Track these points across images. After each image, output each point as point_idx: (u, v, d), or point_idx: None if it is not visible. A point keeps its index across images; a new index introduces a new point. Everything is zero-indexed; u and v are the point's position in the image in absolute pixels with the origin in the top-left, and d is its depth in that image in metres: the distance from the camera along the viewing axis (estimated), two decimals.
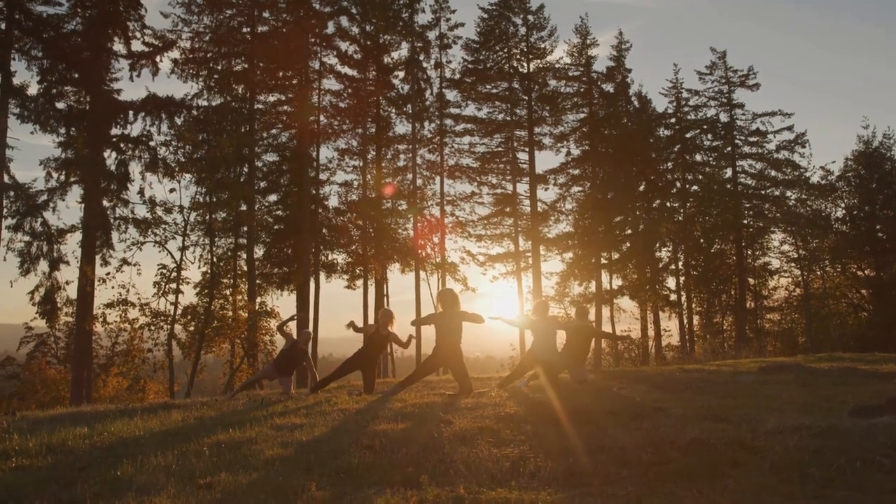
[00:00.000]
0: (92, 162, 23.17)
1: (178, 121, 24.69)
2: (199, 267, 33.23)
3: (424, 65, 30.74)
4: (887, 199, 32.01)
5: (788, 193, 33.26)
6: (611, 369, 16.77)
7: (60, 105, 23.85)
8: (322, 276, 28.78)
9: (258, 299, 25.50)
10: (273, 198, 29.50)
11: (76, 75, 23.98)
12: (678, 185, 34.31)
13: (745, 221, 33.08)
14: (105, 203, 24.18)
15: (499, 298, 37.16)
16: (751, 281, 33.20)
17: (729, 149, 33.32)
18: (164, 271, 19.54)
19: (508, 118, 32.13)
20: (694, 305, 33.93)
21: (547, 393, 7.44)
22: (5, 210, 22.34)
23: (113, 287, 19.48)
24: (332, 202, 31.24)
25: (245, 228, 25.97)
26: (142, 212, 22.96)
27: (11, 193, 22.53)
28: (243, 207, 24.35)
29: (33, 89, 23.32)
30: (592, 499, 3.41)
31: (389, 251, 28.90)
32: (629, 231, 32.21)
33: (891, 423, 4.65)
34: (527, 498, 3.39)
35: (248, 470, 4.14)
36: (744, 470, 3.81)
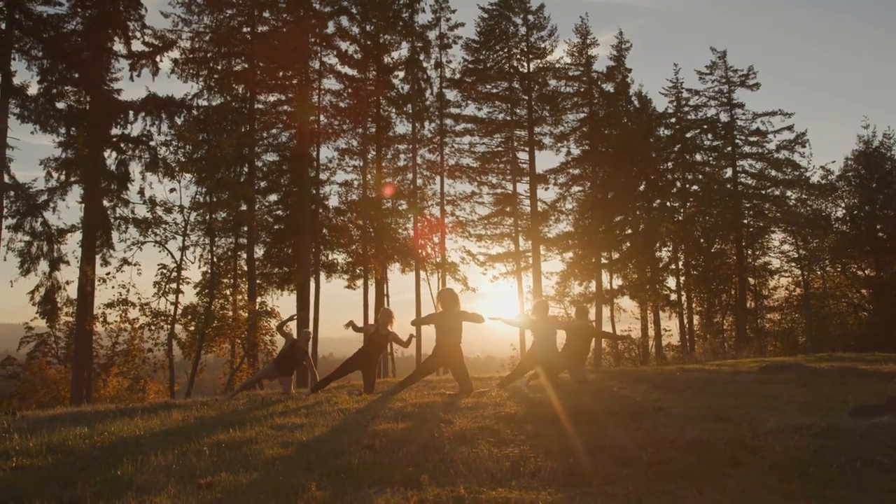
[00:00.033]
0: (92, 162, 23.17)
1: (179, 121, 24.72)
2: (200, 267, 33.32)
3: (424, 64, 30.78)
4: (887, 199, 32.01)
5: (789, 193, 33.29)
6: (611, 369, 16.77)
7: (60, 105, 23.89)
8: (322, 275, 28.79)
9: (258, 299, 25.50)
10: (273, 198, 29.53)
11: (76, 75, 23.99)
12: (678, 184, 34.30)
13: (746, 221, 33.08)
14: (105, 203, 24.19)
15: (499, 298, 37.21)
16: (751, 281, 33.20)
17: (729, 148, 33.32)
18: (165, 271, 19.56)
19: (508, 118, 32.13)
20: (694, 305, 33.93)
21: (547, 393, 7.44)
22: (5, 210, 22.35)
23: (113, 287, 19.50)
24: (333, 202, 31.28)
25: (245, 228, 25.97)
26: (142, 212, 22.98)
27: (12, 193, 22.54)
28: (243, 207, 24.35)
29: (33, 89, 23.37)
30: (593, 498, 3.41)
31: (390, 251, 28.91)
32: (629, 231, 32.21)
33: (891, 422, 4.65)
34: (527, 498, 3.39)
35: (248, 469, 4.14)
36: (744, 469, 3.81)
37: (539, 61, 32.07)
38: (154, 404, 8.87)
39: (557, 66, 32.31)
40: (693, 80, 56.89)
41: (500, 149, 32.49)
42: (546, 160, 51.39)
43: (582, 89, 32.48)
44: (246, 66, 27.26)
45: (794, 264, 32.88)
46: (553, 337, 9.00)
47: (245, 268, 26.87)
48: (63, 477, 4.18)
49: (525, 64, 32.03)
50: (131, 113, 24.31)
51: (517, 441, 4.71)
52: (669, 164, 34.41)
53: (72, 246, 51.62)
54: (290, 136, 28.75)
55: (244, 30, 27.58)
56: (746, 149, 33.43)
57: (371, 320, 25.21)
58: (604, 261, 31.61)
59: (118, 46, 24.56)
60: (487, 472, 3.91)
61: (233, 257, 27.13)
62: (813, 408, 6.17)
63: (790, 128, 32.64)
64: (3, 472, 4.44)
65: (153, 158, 24.04)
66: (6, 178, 22.18)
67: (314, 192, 28.34)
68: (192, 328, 19.67)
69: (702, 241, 33.41)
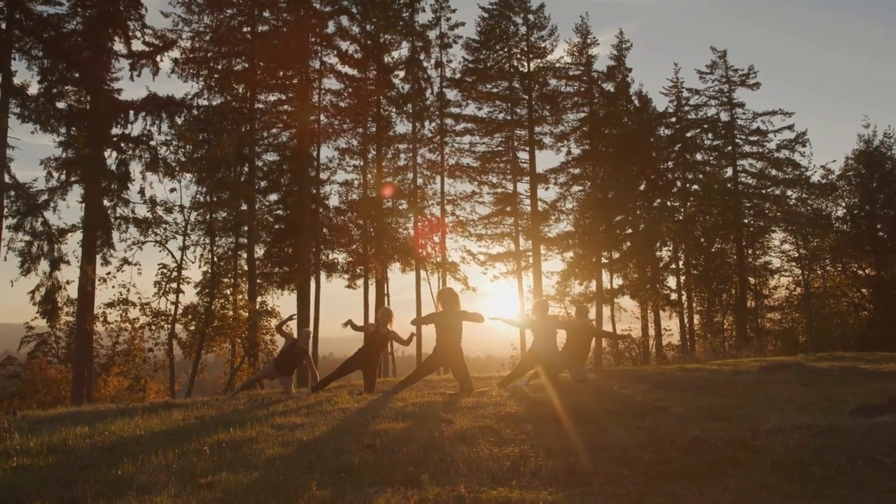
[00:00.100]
0: (92, 161, 23.18)
1: (179, 120, 24.74)
2: (200, 266, 33.39)
3: (425, 64, 30.78)
4: (888, 199, 32.00)
5: (789, 192, 33.28)
6: (611, 368, 16.77)
7: (61, 105, 23.93)
8: (322, 275, 28.80)
9: (259, 299, 25.51)
10: (273, 197, 29.54)
11: (77, 75, 24.01)
12: (679, 184, 34.29)
13: (746, 221, 33.07)
14: (106, 203, 24.22)
15: (499, 298, 37.23)
16: (751, 280, 33.19)
17: (729, 148, 33.31)
18: (165, 271, 19.54)
19: (509, 117, 32.13)
20: (694, 305, 33.92)
21: (547, 392, 7.44)
22: (6, 210, 22.37)
23: (113, 286, 19.42)
24: (333, 201, 31.24)
25: (245, 228, 25.97)
26: (142, 211, 23.00)
27: (12, 193, 22.55)
28: (244, 207, 24.35)
29: (34, 89, 23.45)
30: (593, 498, 3.41)
31: (390, 250, 28.91)
32: (630, 230, 32.20)
33: (892, 422, 4.65)
34: (528, 497, 3.39)
35: (248, 469, 4.14)
36: (744, 469, 3.81)
37: (539, 61, 32.09)
38: (154, 404, 8.87)
39: (558, 65, 32.34)
40: (693, 80, 56.79)
41: (500, 148, 32.50)
42: (546, 160, 51.71)
43: (582, 89, 32.47)
44: (246, 65, 27.26)
45: (794, 264, 32.89)
46: (553, 336, 9.00)
47: (245, 267, 26.88)
48: (64, 476, 4.18)
49: (525, 63, 32.04)
50: (132, 113, 24.33)
51: (518, 440, 4.71)
52: (670, 163, 34.41)
53: (72, 246, 51.55)
54: (291, 136, 28.76)
55: (244, 29, 27.58)
56: (747, 148, 33.44)
57: (371, 320, 25.22)
58: (604, 260, 31.61)
59: (118, 46, 24.63)
60: (488, 472, 3.91)
61: (233, 257, 27.13)
62: (813, 407, 6.16)
63: (790, 127, 32.66)
64: (3, 471, 4.44)
65: (153, 158, 24.07)
66: (6, 178, 22.20)
67: (314, 191, 28.35)
68: (192, 328, 19.66)
69: (702, 240, 33.40)
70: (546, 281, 31.87)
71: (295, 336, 10.26)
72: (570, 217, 32.48)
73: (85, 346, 22.35)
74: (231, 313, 20.21)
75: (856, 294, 33.53)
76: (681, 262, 33.87)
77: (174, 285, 19.51)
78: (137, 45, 24.81)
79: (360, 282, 29.44)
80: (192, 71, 26.53)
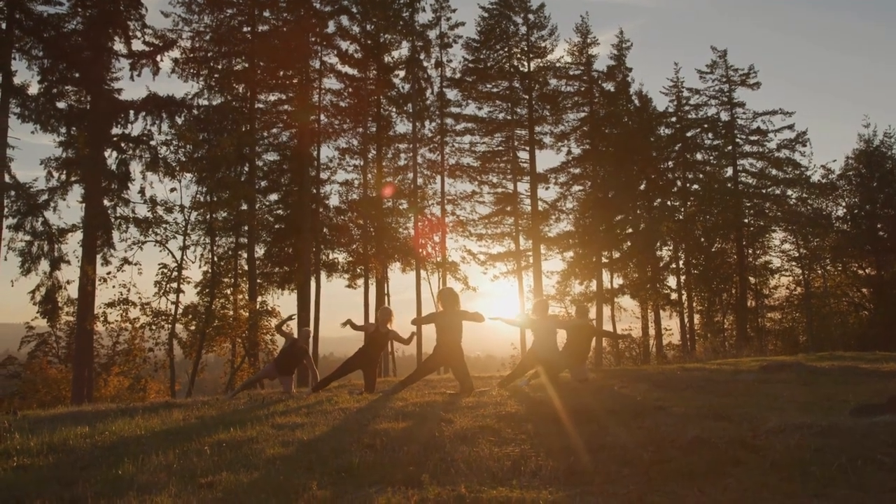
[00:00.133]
0: (93, 161, 23.17)
1: (179, 120, 24.72)
2: (200, 266, 33.41)
3: (425, 64, 30.78)
4: (888, 198, 31.98)
5: (789, 192, 33.27)
6: (612, 368, 16.78)
7: (61, 104, 23.91)
8: (323, 275, 28.80)
9: (259, 298, 25.51)
10: (274, 197, 29.54)
11: (77, 75, 24.00)
12: (679, 183, 34.29)
13: (746, 220, 33.06)
14: (106, 202, 24.21)
15: (499, 297, 37.25)
16: (752, 280, 33.17)
17: (730, 148, 33.29)
18: (165, 271, 19.53)
19: (509, 117, 32.13)
20: (695, 304, 33.91)
21: (548, 392, 7.44)
22: (6, 210, 22.36)
23: (114, 286, 19.40)
24: (333, 201, 31.24)
25: (246, 228, 25.97)
26: (142, 211, 23.01)
27: (12, 193, 22.55)
28: (244, 207, 24.35)
29: (34, 89, 23.45)
30: (593, 497, 3.41)
31: (390, 250, 28.91)
32: (630, 230, 32.20)
33: (892, 421, 4.65)
34: (528, 497, 3.39)
35: (249, 469, 4.14)
36: (745, 469, 3.81)
37: (539, 60, 32.09)
38: (155, 404, 8.88)
39: (558, 65, 32.34)
40: (693, 80, 56.79)
41: (500, 148, 32.50)
42: (546, 159, 51.74)
43: (582, 88, 32.46)
44: (246, 65, 27.26)
45: (794, 263, 32.88)
46: (553, 336, 9.00)
47: (245, 267, 26.88)
48: (64, 476, 4.18)
49: (525, 63, 32.03)
50: (132, 112, 24.31)
51: (518, 440, 4.71)
52: (670, 163, 34.40)
53: (72, 245, 51.43)
54: (291, 136, 28.76)
55: (244, 29, 27.58)
56: (747, 148, 33.43)
57: (371, 320, 25.22)
58: (604, 260, 31.61)
59: (118, 46, 24.61)
60: (488, 471, 3.91)
61: (233, 257, 27.13)
62: (814, 407, 6.16)
63: (791, 127, 32.65)
64: (4, 471, 4.44)
65: (154, 158, 24.05)
66: (7, 178, 22.19)
67: (315, 191, 28.35)
68: (192, 328, 19.65)
69: (702, 240, 33.40)
70: (546, 280, 31.92)
71: (295, 336, 10.26)
72: (570, 217, 32.52)
73: (85, 346, 22.35)
74: (231, 313, 20.21)
75: (856, 294, 33.52)
76: (681, 262, 33.87)
77: (174, 285, 19.51)
78: (137, 45, 24.83)
79: (360, 282, 29.45)
80: (192, 71, 26.54)
